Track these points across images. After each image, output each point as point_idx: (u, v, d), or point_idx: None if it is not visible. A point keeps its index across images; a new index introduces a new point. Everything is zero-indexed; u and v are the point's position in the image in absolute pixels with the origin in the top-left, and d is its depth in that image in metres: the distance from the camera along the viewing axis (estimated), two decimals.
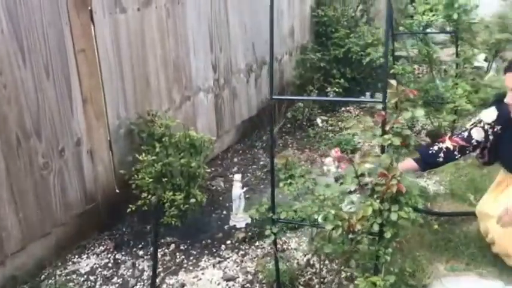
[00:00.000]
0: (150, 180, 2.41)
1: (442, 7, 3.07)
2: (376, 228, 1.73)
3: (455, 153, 2.22)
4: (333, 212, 1.77)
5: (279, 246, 2.39)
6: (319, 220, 1.87)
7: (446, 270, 2.17)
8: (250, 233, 2.53)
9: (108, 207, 2.57)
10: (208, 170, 2.91)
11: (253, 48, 3.75)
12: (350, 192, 1.99)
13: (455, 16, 3.06)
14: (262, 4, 3.61)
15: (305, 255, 2.33)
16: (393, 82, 1.72)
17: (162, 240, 2.49)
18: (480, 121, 2.21)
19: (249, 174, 3.24)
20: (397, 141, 1.68)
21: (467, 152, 2.25)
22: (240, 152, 3.61)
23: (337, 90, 4.21)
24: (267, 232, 1.97)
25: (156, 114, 2.63)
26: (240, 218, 2.62)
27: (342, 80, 4.37)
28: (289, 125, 4.09)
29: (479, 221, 2.32)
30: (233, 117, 3.63)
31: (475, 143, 2.21)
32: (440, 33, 3.96)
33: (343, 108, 4.48)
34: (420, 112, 1.68)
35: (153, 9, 2.67)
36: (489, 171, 2.92)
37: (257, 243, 2.47)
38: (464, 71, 3.44)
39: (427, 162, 2.28)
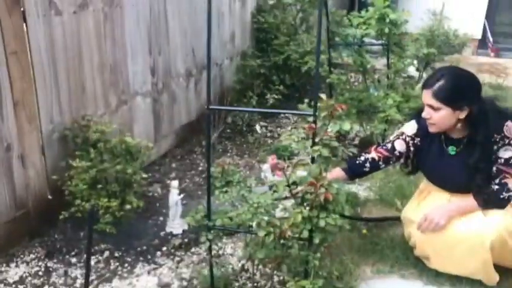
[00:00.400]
0: (84, 186, 2.37)
1: (375, 21, 3.23)
2: (305, 234, 1.82)
3: (380, 163, 2.36)
4: (266, 218, 1.84)
5: (215, 252, 2.43)
6: (253, 227, 1.93)
7: (372, 273, 2.29)
8: (186, 240, 2.55)
9: (39, 213, 2.50)
10: (145, 176, 2.90)
11: (193, 52, 3.77)
12: (285, 198, 2.07)
13: (386, 30, 3.23)
14: (203, 10, 3.64)
15: (240, 261, 2.38)
16: (323, 96, 1.82)
17: (96, 248, 2.46)
18: (402, 133, 2.35)
19: (187, 180, 3.25)
20: (325, 152, 1.77)
21: (391, 162, 2.39)
22: (179, 157, 3.62)
23: (276, 96, 4.31)
24: (203, 239, 2.02)
25: (92, 119, 2.59)
26: (176, 225, 2.63)
27: (282, 87, 4.48)
28: (229, 131, 4.14)
29: (404, 226, 2.47)
30: (172, 122, 3.62)
31: (397, 154, 2.35)
32: (373, 45, 4.15)
33: (282, 115, 4.58)
34: (347, 125, 1.78)
35: (90, 13, 2.64)
36: (416, 178, 3.09)
37: (193, 250, 2.49)
38: (395, 82, 3.63)
39: (354, 172, 2.41)
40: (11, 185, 2.33)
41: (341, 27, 3.59)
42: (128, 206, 2.50)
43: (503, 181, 2.11)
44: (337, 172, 2.38)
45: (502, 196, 2.11)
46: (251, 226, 1.97)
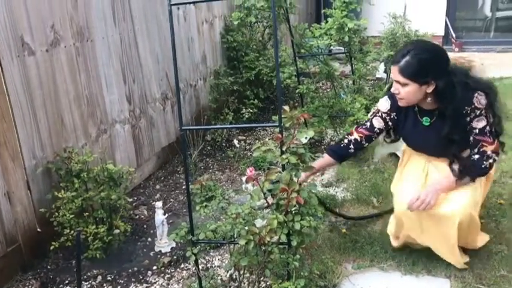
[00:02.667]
0: (71, 216, 2.47)
1: (335, 31, 3.40)
2: (283, 238, 1.94)
3: (363, 142, 2.47)
4: (246, 228, 1.96)
5: (203, 265, 2.54)
6: (235, 237, 2.05)
7: (353, 269, 2.42)
8: (175, 257, 2.65)
9: (30, 247, 2.58)
10: (130, 200, 3.01)
11: (166, 76, 3.89)
12: (268, 207, 2.19)
13: (346, 38, 3.40)
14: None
15: (227, 271, 2.48)
16: (286, 108, 1.95)
17: (89, 274, 2.54)
18: (378, 111, 2.46)
19: (171, 200, 3.35)
20: (293, 159, 1.90)
21: (373, 138, 2.49)
22: (162, 178, 3.72)
23: (251, 111, 4.46)
24: (188, 253, 2.12)
25: (73, 151, 2.69)
26: (164, 244, 2.73)
27: (256, 101, 4.63)
28: (209, 148, 4.26)
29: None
30: (152, 146, 3.73)
31: (377, 131, 2.46)
32: (335, 54, 4.33)
33: (259, 128, 4.72)
34: (311, 132, 1.92)
35: (61, 49, 2.75)
36: (389, 175, 3.26)
37: (182, 266, 2.59)
38: (361, 86, 3.81)
39: (340, 156, 2.53)
40: (0, 222, 2.41)
41: (304, 39, 3.75)
42: (116, 231, 2.61)
43: (481, 150, 2.18)
44: (325, 159, 2.50)
45: (483, 165, 2.18)
46: (233, 236, 2.09)
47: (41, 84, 2.62)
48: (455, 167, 2.25)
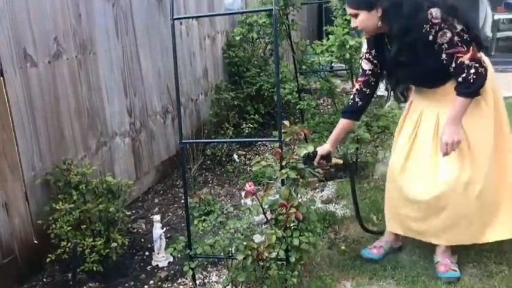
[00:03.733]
0: (69, 228, 2.45)
1: (336, 48, 3.42)
2: (282, 254, 1.93)
3: (364, 89, 2.46)
4: (244, 243, 1.95)
5: (200, 281, 2.52)
6: (233, 251, 2.03)
7: (352, 287, 2.39)
8: (172, 271, 2.63)
9: (27, 259, 2.56)
10: (129, 213, 2.99)
11: (168, 90, 3.91)
12: (266, 222, 2.18)
13: (347, 56, 3.42)
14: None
15: (225, 287, 2.45)
16: (286, 123, 1.96)
17: (85, 287, 2.51)
18: (363, 54, 2.49)
19: (170, 214, 3.34)
20: (292, 174, 1.90)
21: (372, 83, 2.47)
22: (161, 192, 3.71)
23: (252, 125, 4.46)
24: (185, 268, 2.11)
25: (72, 163, 2.68)
26: (161, 258, 2.71)
27: (257, 116, 4.64)
28: (209, 162, 4.25)
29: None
30: (152, 159, 3.73)
31: (369, 73, 2.45)
32: (336, 71, 4.36)
33: (259, 143, 4.72)
34: (310, 148, 1.92)
35: (64, 61, 2.76)
36: None
37: (179, 281, 2.56)
38: None
39: (354, 113, 2.53)
40: None
41: (305, 56, 3.77)
42: (113, 244, 2.59)
43: (458, 62, 2.11)
44: (340, 123, 2.53)
45: (469, 77, 2.10)
46: (231, 252, 2.07)
47: (43, 95, 2.62)
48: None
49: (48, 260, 2.47)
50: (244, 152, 4.47)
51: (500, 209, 2.38)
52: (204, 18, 4.42)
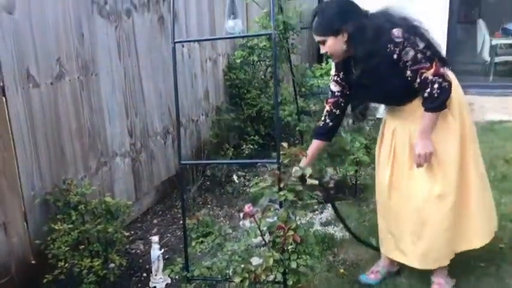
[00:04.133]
0: (67, 248, 2.44)
1: None
2: (279, 276, 1.92)
3: (334, 110, 2.54)
4: (242, 265, 1.94)
5: None
6: (231, 274, 2.02)
7: None
8: None
9: (24, 279, 2.55)
10: (127, 234, 2.98)
11: (169, 111, 3.94)
12: (265, 245, 2.17)
13: None
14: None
15: None
16: (285, 144, 1.97)
17: None
18: (332, 76, 2.56)
19: (168, 235, 3.33)
20: (290, 196, 1.90)
21: (342, 104, 2.53)
22: (160, 213, 3.70)
23: (252, 147, 4.48)
24: None
25: (72, 183, 2.69)
26: (159, 279, 2.69)
27: (257, 137, 4.67)
28: (208, 183, 4.25)
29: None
30: (151, 179, 3.74)
31: (338, 94, 2.52)
32: None
33: (259, 164, 4.73)
34: (309, 170, 1.93)
35: (66, 82, 2.80)
36: None
37: None
38: (361, 125, 3.83)
39: (325, 134, 2.60)
40: None
41: (305, 79, 3.81)
42: (111, 265, 2.58)
43: (423, 77, 2.17)
44: (313, 144, 2.60)
45: (433, 91, 2.16)
46: (228, 274, 2.06)
47: (44, 115, 2.65)
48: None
49: (45, 280, 2.46)
50: (244, 173, 4.48)
51: (471, 218, 2.42)
52: (206, 42, 4.48)
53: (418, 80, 2.19)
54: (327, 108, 2.57)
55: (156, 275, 2.70)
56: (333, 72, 2.53)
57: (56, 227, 2.47)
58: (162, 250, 2.77)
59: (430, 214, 2.34)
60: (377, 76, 2.26)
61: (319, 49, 2.49)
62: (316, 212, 3.57)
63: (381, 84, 2.29)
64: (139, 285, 2.73)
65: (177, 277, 2.13)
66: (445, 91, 2.18)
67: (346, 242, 3.07)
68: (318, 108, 3.96)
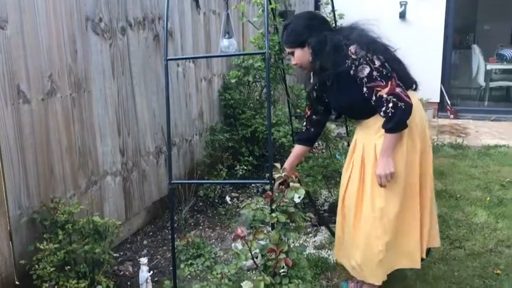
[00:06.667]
0: (52, 269, 2.37)
1: None
2: None
3: (313, 116, 2.66)
4: None
5: None
6: None
7: None
8: None
9: None
10: (116, 255, 2.91)
11: (162, 131, 3.89)
12: (256, 268, 2.11)
13: None
14: (170, 89, 3.81)
15: None
16: (277, 165, 1.93)
17: None
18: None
19: (158, 257, 3.25)
20: (283, 218, 1.85)
21: (321, 111, 2.63)
22: (151, 233, 3.63)
23: (246, 167, 4.43)
24: None
25: (60, 201, 2.63)
26: None
27: (251, 158, 4.62)
28: (201, 204, 4.19)
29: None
30: (143, 199, 3.67)
31: (316, 100, 2.61)
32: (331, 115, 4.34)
33: (253, 185, 4.68)
34: (302, 191, 1.88)
35: (57, 99, 2.76)
36: None
37: None
38: None
39: (304, 138, 2.70)
40: None
41: (300, 100, 3.80)
42: (99, 287, 2.50)
43: (378, 95, 2.20)
44: (295, 149, 2.69)
45: (387, 110, 2.19)
46: None
47: (34, 132, 2.60)
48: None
49: None
50: (237, 194, 4.42)
51: (410, 238, 2.42)
52: (201, 61, 4.47)
53: (374, 98, 2.22)
54: (308, 114, 2.66)
55: None
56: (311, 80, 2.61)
57: (42, 247, 2.39)
58: (151, 272, 2.69)
59: (371, 226, 2.37)
60: (337, 89, 2.35)
61: None
62: (310, 235, 3.50)
63: (343, 97, 2.38)
64: None
65: None
66: (400, 111, 2.19)
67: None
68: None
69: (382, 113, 2.22)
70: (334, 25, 3.16)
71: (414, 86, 2.46)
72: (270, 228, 2.01)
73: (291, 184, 1.87)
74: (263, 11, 3.10)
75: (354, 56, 2.22)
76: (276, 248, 1.82)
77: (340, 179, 3.66)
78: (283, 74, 3.58)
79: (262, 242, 1.98)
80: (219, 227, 3.76)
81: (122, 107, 3.38)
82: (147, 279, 2.62)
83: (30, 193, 2.59)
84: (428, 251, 2.68)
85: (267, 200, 1.90)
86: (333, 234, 2.88)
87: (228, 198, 4.10)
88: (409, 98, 2.21)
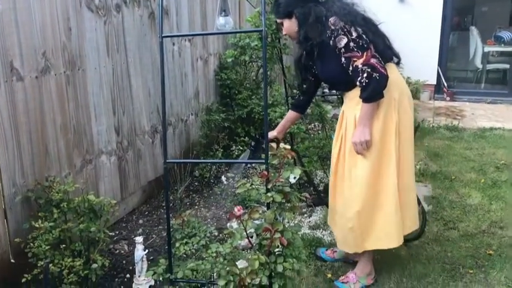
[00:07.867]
0: (47, 247, 2.37)
1: None
2: (265, 280, 1.86)
3: (303, 85, 2.80)
4: (227, 268, 1.88)
5: None
6: (215, 277, 1.97)
7: None
8: None
9: (2, 278, 2.47)
10: (112, 234, 2.92)
11: (157, 110, 3.87)
12: (252, 247, 2.12)
13: None
14: (165, 68, 3.78)
15: None
16: (273, 145, 1.92)
17: None
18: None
19: (154, 236, 3.26)
20: (278, 197, 1.85)
21: (310, 79, 2.74)
22: (146, 213, 3.63)
23: (241, 148, 4.42)
24: None
25: (55, 180, 2.62)
26: (142, 281, 2.62)
27: (247, 138, 4.61)
28: (196, 184, 4.19)
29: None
30: (138, 179, 3.67)
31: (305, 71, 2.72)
32: (327, 96, 4.35)
33: (248, 165, 4.67)
34: (297, 171, 1.88)
35: (51, 77, 2.73)
36: None
37: None
38: None
39: (297, 105, 2.87)
40: None
41: (296, 80, 3.76)
42: (94, 265, 2.51)
43: (354, 65, 2.27)
44: (289, 115, 2.87)
45: (362, 80, 2.25)
46: (212, 277, 2.01)
47: (28, 110, 2.58)
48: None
49: (23, 280, 2.38)
50: (233, 174, 4.42)
51: (387, 212, 2.44)
52: (197, 39, 4.42)
53: (351, 68, 2.29)
54: (298, 82, 2.85)
55: (139, 277, 2.63)
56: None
57: (37, 225, 2.39)
58: (147, 251, 2.69)
59: (343, 190, 2.48)
60: (320, 61, 2.45)
61: None
62: (305, 215, 3.52)
63: (327, 68, 2.46)
64: (122, 286, 2.67)
65: (160, 279, 2.06)
66: (374, 81, 2.24)
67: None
68: (309, 111, 3.92)
69: (358, 83, 2.28)
70: None
71: (396, 59, 2.51)
72: (265, 208, 2.01)
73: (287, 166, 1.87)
74: None
75: (332, 27, 2.29)
76: (271, 227, 1.82)
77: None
78: (280, 54, 3.55)
79: (258, 222, 1.99)
80: (214, 207, 3.77)
81: (117, 85, 3.34)
82: (142, 257, 2.62)
83: (24, 171, 2.58)
84: (420, 234, 2.71)
85: (263, 179, 1.90)
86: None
87: (223, 178, 4.10)
88: (385, 69, 2.27)
